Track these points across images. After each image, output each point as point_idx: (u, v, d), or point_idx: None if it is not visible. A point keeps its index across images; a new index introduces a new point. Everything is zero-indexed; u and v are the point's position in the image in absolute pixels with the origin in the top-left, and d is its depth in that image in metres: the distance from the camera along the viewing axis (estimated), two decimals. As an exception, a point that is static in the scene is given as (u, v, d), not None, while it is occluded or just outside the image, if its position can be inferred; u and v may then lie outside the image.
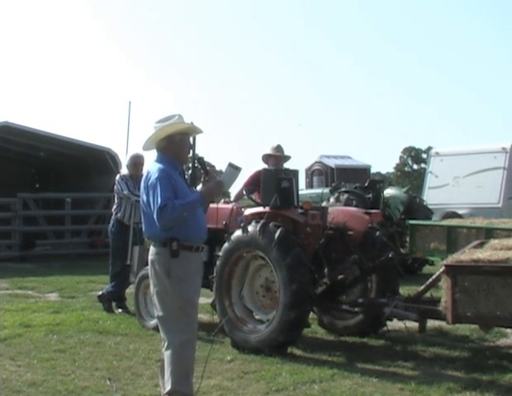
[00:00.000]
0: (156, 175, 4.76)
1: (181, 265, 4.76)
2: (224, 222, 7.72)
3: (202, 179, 5.14)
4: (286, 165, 8.38)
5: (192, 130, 5.04)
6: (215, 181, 4.90)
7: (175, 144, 4.91)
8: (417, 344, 7.25)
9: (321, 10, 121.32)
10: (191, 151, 5.21)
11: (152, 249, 4.89)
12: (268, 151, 8.41)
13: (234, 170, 5.02)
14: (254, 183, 8.10)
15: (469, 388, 5.65)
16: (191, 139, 5.27)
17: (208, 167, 5.16)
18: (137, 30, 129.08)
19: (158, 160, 4.91)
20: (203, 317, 8.28)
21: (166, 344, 4.81)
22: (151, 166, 4.91)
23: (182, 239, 4.76)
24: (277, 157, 8.34)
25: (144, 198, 4.85)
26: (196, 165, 5.21)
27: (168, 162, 4.88)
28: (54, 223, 18.63)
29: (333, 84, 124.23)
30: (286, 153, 8.53)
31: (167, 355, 4.80)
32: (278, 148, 8.42)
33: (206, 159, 5.25)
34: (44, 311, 9.40)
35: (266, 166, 8.33)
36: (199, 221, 4.89)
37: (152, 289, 4.92)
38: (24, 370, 6.36)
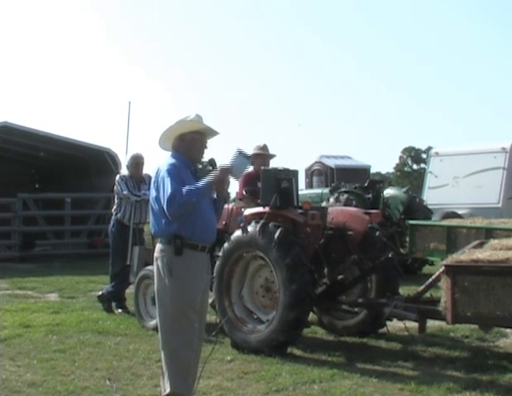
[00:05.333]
0: (166, 168, 4.77)
1: (184, 263, 4.74)
2: (223, 222, 7.72)
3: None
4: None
5: (206, 131, 5.00)
6: (222, 168, 4.78)
7: (186, 143, 4.91)
8: (417, 344, 7.25)
9: (321, 10, 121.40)
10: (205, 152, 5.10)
11: (157, 246, 4.89)
12: (254, 151, 8.45)
13: (243, 158, 4.86)
14: (249, 185, 8.18)
15: (469, 388, 5.66)
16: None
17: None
18: (137, 30, 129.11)
19: (171, 157, 4.92)
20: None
21: (161, 344, 4.81)
22: (162, 162, 4.91)
23: (187, 237, 4.75)
24: (263, 156, 8.40)
25: (153, 194, 4.84)
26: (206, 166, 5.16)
27: (181, 160, 4.88)
28: (54, 224, 18.63)
29: (333, 84, 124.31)
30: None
31: (163, 356, 4.79)
32: (264, 148, 8.48)
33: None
34: (44, 311, 9.40)
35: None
36: (206, 221, 4.86)
37: (155, 286, 4.92)
38: (24, 370, 6.36)
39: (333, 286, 7.32)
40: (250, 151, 8.51)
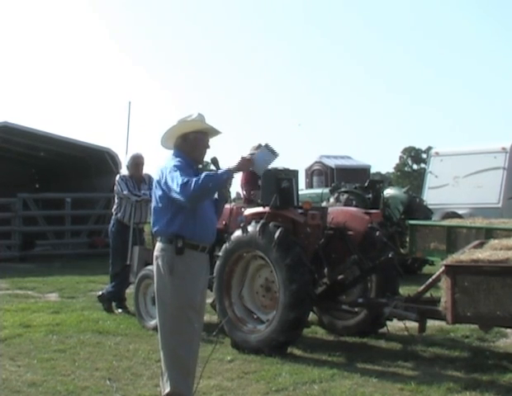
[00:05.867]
0: (173, 164, 4.73)
1: (185, 263, 4.72)
2: (224, 222, 7.72)
3: None
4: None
5: (209, 130, 4.97)
6: (245, 158, 4.71)
7: (189, 142, 4.88)
8: (417, 344, 7.25)
9: (321, 10, 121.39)
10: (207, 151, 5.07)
11: (157, 245, 4.86)
12: (251, 152, 8.41)
13: (269, 153, 4.73)
14: (250, 183, 8.17)
15: (469, 388, 5.65)
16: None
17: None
18: (137, 30, 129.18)
19: (174, 156, 4.89)
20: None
21: (161, 343, 4.80)
22: (166, 161, 4.87)
23: (188, 237, 4.72)
24: None
25: (158, 192, 4.80)
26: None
27: (184, 159, 4.84)
28: (54, 224, 18.63)
29: (333, 84, 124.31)
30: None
31: (162, 355, 4.78)
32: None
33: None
34: (44, 311, 9.40)
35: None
36: (207, 221, 4.84)
37: (154, 286, 4.91)
38: (24, 370, 6.36)
39: (333, 286, 7.31)
40: (247, 152, 8.50)
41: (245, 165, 4.76)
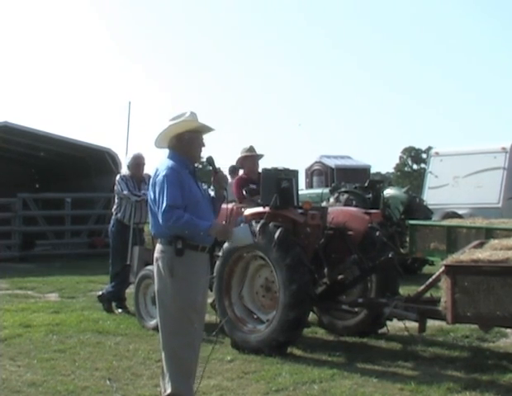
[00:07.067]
0: (164, 173, 4.73)
1: (185, 264, 4.71)
2: (223, 222, 7.70)
3: (212, 179, 5.07)
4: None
5: (202, 128, 4.97)
6: (229, 230, 4.82)
7: (184, 142, 4.87)
8: (417, 344, 7.25)
9: (322, 10, 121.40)
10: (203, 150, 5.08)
11: (157, 247, 4.85)
12: (242, 154, 8.42)
13: (250, 234, 4.87)
14: (244, 186, 8.17)
15: (469, 388, 5.65)
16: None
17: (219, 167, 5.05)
18: (137, 30, 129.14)
19: (169, 157, 4.87)
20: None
21: (162, 344, 4.80)
22: (161, 163, 4.87)
23: (188, 238, 4.72)
24: (252, 157, 8.39)
25: (152, 195, 4.81)
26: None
27: (179, 160, 4.83)
28: (54, 224, 18.63)
29: (333, 84, 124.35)
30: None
31: (164, 357, 4.78)
32: (251, 149, 8.46)
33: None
34: (44, 311, 9.40)
35: (241, 171, 8.43)
36: (206, 221, 4.84)
37: (155, 287, 4.91)
38: (24, 370, 6.36)
39: (333, 286, 7.32)
40: (238, 154, 8.50)
41: (224, 234, 4.84)
